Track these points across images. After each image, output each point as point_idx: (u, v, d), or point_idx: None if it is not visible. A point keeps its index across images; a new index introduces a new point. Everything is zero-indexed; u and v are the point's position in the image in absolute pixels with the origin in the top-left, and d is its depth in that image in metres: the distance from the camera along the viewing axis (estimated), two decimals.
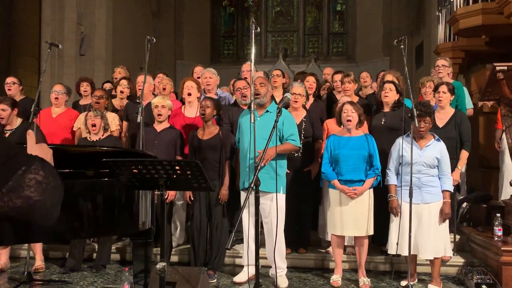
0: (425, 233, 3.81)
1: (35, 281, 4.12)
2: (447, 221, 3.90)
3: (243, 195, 4.11)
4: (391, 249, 3.91)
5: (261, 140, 3.51)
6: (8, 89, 5.25)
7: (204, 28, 14.76)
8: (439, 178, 3.88)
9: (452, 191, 4.00)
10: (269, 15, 15.07)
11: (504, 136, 4.77)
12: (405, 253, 3.79)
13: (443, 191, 3.87)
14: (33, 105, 4.05)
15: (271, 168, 3.84)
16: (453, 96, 4.52)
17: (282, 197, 3.94)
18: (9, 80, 5.33)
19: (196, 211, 4.31)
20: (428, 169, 3.85)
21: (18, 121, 4.59)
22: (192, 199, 4.33)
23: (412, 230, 3.73)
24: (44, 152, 1.03)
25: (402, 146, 3.86)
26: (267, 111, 4.03)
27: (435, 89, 4.55)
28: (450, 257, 4.38)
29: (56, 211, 0.96)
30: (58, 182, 0.96)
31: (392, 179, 3.97)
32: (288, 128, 3.96)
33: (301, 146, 4.26)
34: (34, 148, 1.06)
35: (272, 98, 4.32)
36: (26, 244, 4.43)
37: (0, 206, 0.87)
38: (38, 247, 4.56)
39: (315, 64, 13.55)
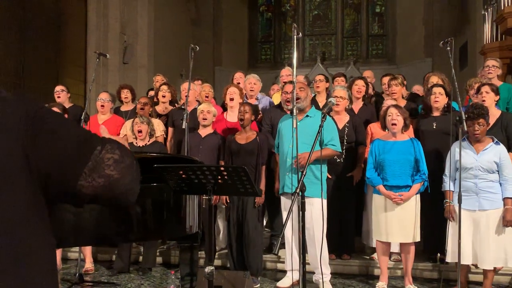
0: (484, 242, 3.63)
1: (86, 282, 4.27)
2: (509, 229, 3.65)
3: (282, 199, 4.11)
4: (448, 257, 3.75)
5: (301, 145, 3.49)
6: (58, 97, 5.50)
7: (242, 34, 14.90)
8: (500, 184, 3.67)
9: None
10: (306, 18, 15.03)
11: None
12: (462, 261, 3.63)
13: (504, 198, 3.63)
14: (83, 113, 4.21)
15: (312, 173, 3.82)
16: (498, 97, 4.31)
17: (324, 202, 3.90)
18: (58, 88, 5.59)
19: (232, 215, 4.34)
20: (486, 174, 3.66)
21: None
22: (228, 201, 4.37)
23: (468, 238, 3.58)
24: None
25: (457, 151, 3.71)
26: (307, 115, 4.01)
27: (477, 91, 4.36)
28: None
29: (137, 187, 0.98)
30: (133, 161, 0.98)
31: (448, 185, 3.83)
32: (328, 133, 3.92)
33: (342, 151, 4.21)
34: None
35: (315, 102, 4.30)
36: (77, 247, 4.61)
37: (86, 187, 0.90)
38: (87, 250, 4.73)
39: (354, 67, 13.39)
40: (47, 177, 0.90)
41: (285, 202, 4.08)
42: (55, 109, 4.55)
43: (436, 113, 4.44)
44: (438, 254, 4.34)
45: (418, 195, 3.90)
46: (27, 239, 0.90)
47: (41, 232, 0.94)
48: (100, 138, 0.98)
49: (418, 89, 6.09)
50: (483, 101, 4.21)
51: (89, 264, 4.69)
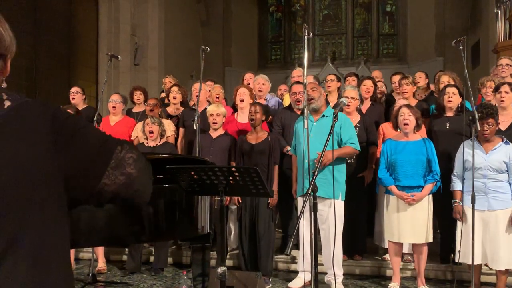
0: (494, 242, 3.60)
1: (99, 282, 4.31)
2: None
3: (300, 201, 4.10)
4: (457, 257, 3.73)
5: (319, 146, 3.48)
6: (72, 98, 5.56)
7: (252, 35, 14.91)
8: (510, 184, 3.65)
9: None
10: (316, 18, 14.99)
11: None
12: (469, 261, 3.62)
13: None
14: (95, 114, 4.25)
15: (329, 173, 3.80)
16: None
17: (340, 203, 3.90)
18: (74, 89, 5.65)
19: (244, 216, 4.35)
20: (495, 174, 3.63)
21: None
22: (240, 201, 4.37)
23: (478, 238, 3.55)
24: None
25: (466, 150, 3.69)
26: (324, 115, 4.00)
27: (496, 89, 4.32)
28: None
29: (150, 187, 1.03)
30: (147, 162, 1.03)
31: (457, 185, 3.81)
32: (347, 131, 3.90)
33: (360, 150, 4.17)
34: None
35: (327, 103, 4.29)
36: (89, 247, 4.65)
37: (109, 185, 0.95)
38: (100, 250, 4.77)
39: (364, 66, 13.31)
40: (72, 177, 0.94)
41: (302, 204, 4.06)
42: (69, 111, 4.60)
43: (449, 113, 4.40)
44: (452, 255, 4.29)
45: (431, 196, 3.87)
46: (48, 241, 0.92)
47: (61, 234, 0.96)
48: (116, 139, 1.02)
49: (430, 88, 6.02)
50: (502, 101, 4.15)
51: (102, 264, 4.73)
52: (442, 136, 4.28)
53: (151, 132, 4.59)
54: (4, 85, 1.04)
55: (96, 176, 0.95)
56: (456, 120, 4.29)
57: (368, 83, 5.14)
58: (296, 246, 4.36)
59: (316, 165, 2.94)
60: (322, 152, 2.92)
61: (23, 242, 0.88)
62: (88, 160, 0.94)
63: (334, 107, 3.38)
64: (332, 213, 3.68)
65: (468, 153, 3.65)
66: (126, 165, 0.96)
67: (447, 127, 4.32)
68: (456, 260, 3.69)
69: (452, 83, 4.68)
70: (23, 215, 0.88)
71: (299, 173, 4.06)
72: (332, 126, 2.96)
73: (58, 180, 0.92)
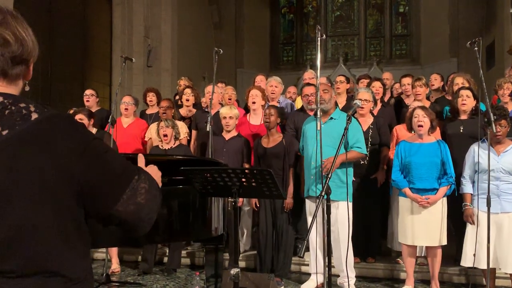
0: (506, 245, 3.57)
1: (113, 282, 4.35)
2: None
3: (307, 203, 4.10)
4: (465, 261, 3.70)
5: (326, 148, 3.47)
6: (87, 100, 5.63)
7: (264, 36, 14.93)
8: None
9: None
10: (328, 19, 14.95)
11: None
12: (482, 265, 3.58)
13: None
14: (110, 116, 4.29)
15: (337, 176, 3.80)
16: None
17: (348, 205, 3.88)
18: (88, 92, 5.72)
19: (261, 218, 4.36)
20: (507, 176, 3.60)
21: (94, 130, 4.90)
22: (258, 205, 4.38)
23: (491, 242, 3.51)
24: (154, 173, 1.16)
25: (477, 152, 3.66)
26: (332, 118, 3.99)
27: None
28: None
29: (154, 217, 1.07)
30: (159, 193, 1.08)
31: (467, 188, 3.78)
32: (353, 135, 3.88)
33: (367, 153, 4.16)
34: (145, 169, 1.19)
35: (336, 105, 4.29)
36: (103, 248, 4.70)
37: (120, 211, 1.00)
38: (114, 251, 4.81)
39: (377, 68, 13.25)
40: (88, 197, 0.98)
41: (310, 206, 4.07)
42: (82, 115, 4.65)
43: (463, 116, 4.36)
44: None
45: (445, 198, 3.84)
46: (64, 251, 0.95)
47: (78, 243, 0.99)
48: (134, 167, 1.06)
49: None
50: None
51: (115, 265, 4.77)
52: (456, 139, 4.24)
53: (165, 135, 4.62)
54: (27, 88, 1.07)
55: (112, 201, 0.99)
56: (470, 124, 4.25)
57: (376, 85, 5.11)
58: (307, 248, 4.36)
59: (329, 171, 2.92)
60: (335, 157, 2.90)
61: (43, 255, 0.92)
62: (107, 185, 0.98)
63: (348, 109, 3.38)
64: (341, 215, 3.68)
65: (480, 155, 3.62)
66: (138, 195, 1.01)
67: (461, 131, 4.28)
68: (468, 265, 3.66)
69: (466, 85, 4.63)
70: (44, 227, 0.92)
71: (306, 174, 4.06)
72: (346, 129, 2.95)
73: (75, 195, 0.96)
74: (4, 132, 0.91)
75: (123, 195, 0.99)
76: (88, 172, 0.96)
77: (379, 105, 5.02)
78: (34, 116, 0.94)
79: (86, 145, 0.96)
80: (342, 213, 3.70)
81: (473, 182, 3.76)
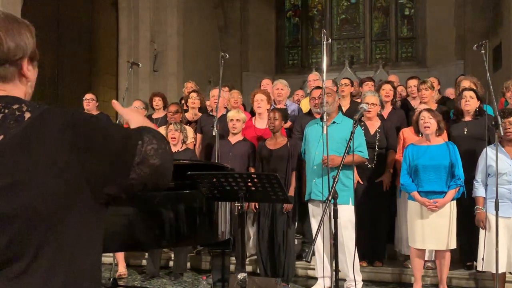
0: None
1: (120, 287, 4.36)
2: None
3: (310, 206, 4.09)
4: (480, 265, 3.66)
5: (328, 151, 3.46)
6: (87, 105, 5.69)
7: (269, 40, 14.94)
8: None
9: None
10: (334, 23, 14.94)
11: None
12: (493, 269, 3.55)
13: None
14: (117, 121, 4.31)
15: (339, 180, 3.77)
16: None
17: (350, 208, 3.87)
18: (88, 96, 5.78)
19: (261, 221, 4.35)
20: None
21: None
22: (257, 207, 4.37)
23: (503, 246, 3.47)
24: (140, 117, 1.18)
25: (489, 156, 3.62)
26: (334, 122, 3.98)
27: None
28: None
29: (172, 166, 1.07)
30: (166, 144, 1.07)
31: (479, 191, 3.74)
32: (356, 139, 3.87)
33: (368, 158, 4.14)
34: (135, 118, 1.20)
35: (339, 107, 4.28)
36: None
37: (136, 179, 0.99)
38: (120, 255, 4.83)
39: (383, 70, 13.21)
40: (101, 177, 0.96)
41: (312, 209, 4.06)
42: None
43: (467, 118, 4.34)
44: (474, 262, 4.22)
45: (454, 201, 3.81)
46: (78, 260, 0.95)
47: (92, 251, 0.99)
48: (136, 131, 1.05)
49: (451, 92, 5.95)
50: None
51: (122, 269, 4.78)
52: (460, 141, 4.21)
53: (173, 138, 4.64)
54: (31, 89, 1.06)
55: (124, 173, 0.98)
56: (474, 125, 4.23)
57: (387, 87, 5.11)
58: (314, 252, 4.34)
59: (335, 176, 2.90)
60: (342, 160, 2.90)
61: (49, 253, 0.91)
62: (114, 160, 0.97)
63: (350, 112, 3.37)
64: (344, 218, 3.66)
65: (491, 158, 3.58)
66: (149, 158, 1.00)
67: (465, 132, 4.26)
68: (480, 269, 3.62)
69: (473, 87, 4.61)
70: (49, 226, 0.91)
71: (308, 177, 4.05)
72: (352, 133, 2.95)
73: (83, 186, 0.94)
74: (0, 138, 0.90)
75: (132, 164, 0.98)
76: (92, 154, 0.94)
77: (389, 107, 5.01)
78: (27, 115, 0.93)
79: (82, 128, 0.94)
80: (345, 217, 3.69)
81: (486, 186, 3.72)
